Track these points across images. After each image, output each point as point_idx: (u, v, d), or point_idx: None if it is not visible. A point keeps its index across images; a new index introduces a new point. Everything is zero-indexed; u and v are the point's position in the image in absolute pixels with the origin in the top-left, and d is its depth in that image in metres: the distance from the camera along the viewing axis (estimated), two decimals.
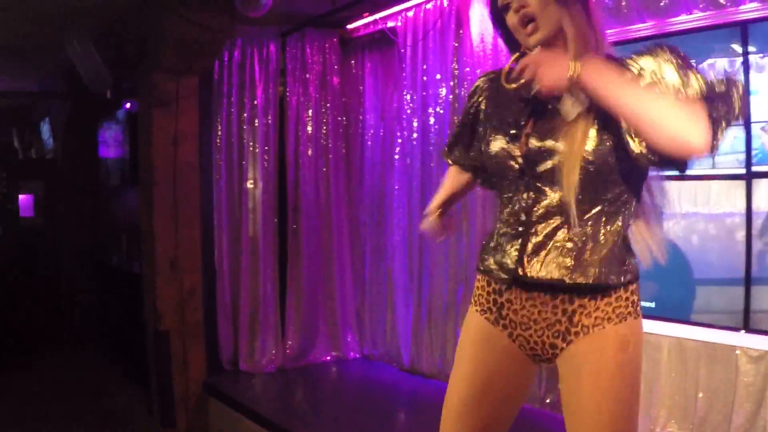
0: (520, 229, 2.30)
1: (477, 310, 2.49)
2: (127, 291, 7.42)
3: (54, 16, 6.06)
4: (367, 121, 6.87)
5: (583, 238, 2.23)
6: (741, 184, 4.26)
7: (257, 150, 6.65)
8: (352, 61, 7.01)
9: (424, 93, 6.11)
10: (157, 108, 6.13)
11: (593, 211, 2.23)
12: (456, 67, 5.82)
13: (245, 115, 6.62)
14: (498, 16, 2.39)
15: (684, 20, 4.29)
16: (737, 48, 4.17)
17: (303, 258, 6.84)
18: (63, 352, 8.85)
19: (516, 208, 2.32)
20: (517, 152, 2.29)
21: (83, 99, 8.21)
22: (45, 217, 10.01)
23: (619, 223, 2.27)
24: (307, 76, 6.80)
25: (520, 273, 2.28)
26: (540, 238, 2.26)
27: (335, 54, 6.91)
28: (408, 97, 6.29)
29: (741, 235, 4.28)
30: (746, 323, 4.20)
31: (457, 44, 5.81)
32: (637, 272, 2.32)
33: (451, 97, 5.86)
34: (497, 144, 2.36)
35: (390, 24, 6.42)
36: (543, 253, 2.26)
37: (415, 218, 6.25)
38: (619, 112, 2.04)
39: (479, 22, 5.63)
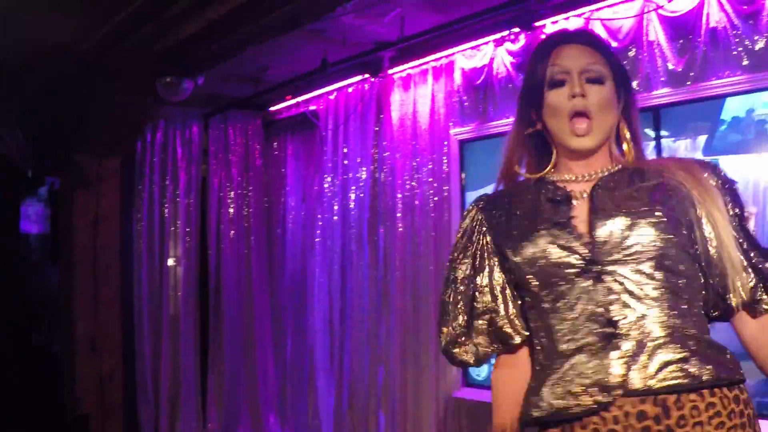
0: (608, 330, 1.71)
1: None
2: (48, 371, 7.27)
3: None
4: (288, 203, 6.92)
5: (683, 328, 1.72)
6: None
7: (179, 230, 6.66)
8: (275, 143, 7.09)
9: (345, 176, 6.19)
10: (79, 188, 6.09)
11: (685, 293, 1.77)
12: (376, 151, 5.93)
13: (167, 195, 6.64)
14: (535, 89, 1.88)
15: None
16: (650, 132, 4.36)
17: (225, 338, 6.80)
18: None
19: (587, 309, 1.74)
20: (577, 243, 1.77)
21: (6, 174, 8.14)
22: None
23: (701, 303, 1.81)
24: (230, 157, 6.87)
25: (632, 387, 1.67)
26: (632, 338, 1.70)
27: (258, 136, 7.00)
28: (329, 179, 6.36)
29: None
30: None
31: (377, 128, 5.93)
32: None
33: (371, 180, 5.95)
34: (541, 245, 1.80)
35: (312, 107, 6.51)
36: (644, 356, 1.68)
37: (335, 300, 6.27)
38: None
39: (399, 106, 5.75)
